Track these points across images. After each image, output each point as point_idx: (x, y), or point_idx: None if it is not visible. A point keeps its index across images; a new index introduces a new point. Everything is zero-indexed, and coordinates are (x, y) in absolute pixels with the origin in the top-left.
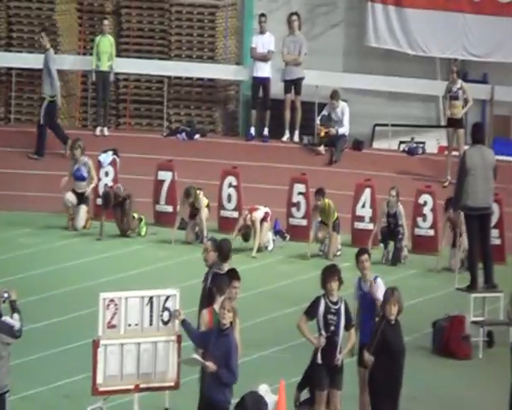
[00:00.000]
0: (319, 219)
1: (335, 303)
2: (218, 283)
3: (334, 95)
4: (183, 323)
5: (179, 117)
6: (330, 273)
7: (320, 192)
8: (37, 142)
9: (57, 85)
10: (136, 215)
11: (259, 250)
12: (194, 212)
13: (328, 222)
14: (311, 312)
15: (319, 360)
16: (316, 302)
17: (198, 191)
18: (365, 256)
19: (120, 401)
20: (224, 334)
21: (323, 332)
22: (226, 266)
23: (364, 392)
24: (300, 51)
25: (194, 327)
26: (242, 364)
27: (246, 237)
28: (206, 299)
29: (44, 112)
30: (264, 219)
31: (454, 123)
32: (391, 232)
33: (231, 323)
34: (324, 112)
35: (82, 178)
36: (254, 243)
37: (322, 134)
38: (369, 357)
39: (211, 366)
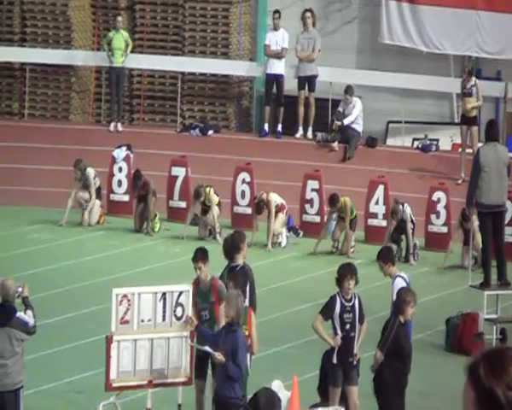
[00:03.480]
0: (334, 216)
1: (349, 300)
2: (231, 277)
3: (348, 90)
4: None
5: (193, 113)
6: (348, 271)
7: (332, 202)
8: None
9: None
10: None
11: (273, 245)
12: (206, 209)
13: (345, 217)
14: (327, 312)
15: (334, 360)
16: (331, 302)
17: (208, 189)
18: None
19: (133, 397)
20: (232, 330)
21: (339, 332)
22: (239, 259)
23: None
24: (314, 48)
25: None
26: (256, 360)
27: (259, 210)
28: None
29: None
30: (279, 210)
31: (467, 120)
32: (402, 232)
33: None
34: (339, 108)
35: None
36: (268, 234)
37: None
38: (380, 356)
39: (219, 357)
